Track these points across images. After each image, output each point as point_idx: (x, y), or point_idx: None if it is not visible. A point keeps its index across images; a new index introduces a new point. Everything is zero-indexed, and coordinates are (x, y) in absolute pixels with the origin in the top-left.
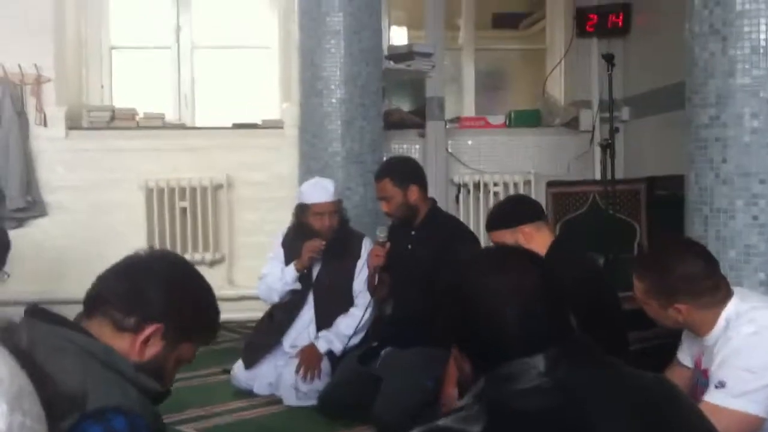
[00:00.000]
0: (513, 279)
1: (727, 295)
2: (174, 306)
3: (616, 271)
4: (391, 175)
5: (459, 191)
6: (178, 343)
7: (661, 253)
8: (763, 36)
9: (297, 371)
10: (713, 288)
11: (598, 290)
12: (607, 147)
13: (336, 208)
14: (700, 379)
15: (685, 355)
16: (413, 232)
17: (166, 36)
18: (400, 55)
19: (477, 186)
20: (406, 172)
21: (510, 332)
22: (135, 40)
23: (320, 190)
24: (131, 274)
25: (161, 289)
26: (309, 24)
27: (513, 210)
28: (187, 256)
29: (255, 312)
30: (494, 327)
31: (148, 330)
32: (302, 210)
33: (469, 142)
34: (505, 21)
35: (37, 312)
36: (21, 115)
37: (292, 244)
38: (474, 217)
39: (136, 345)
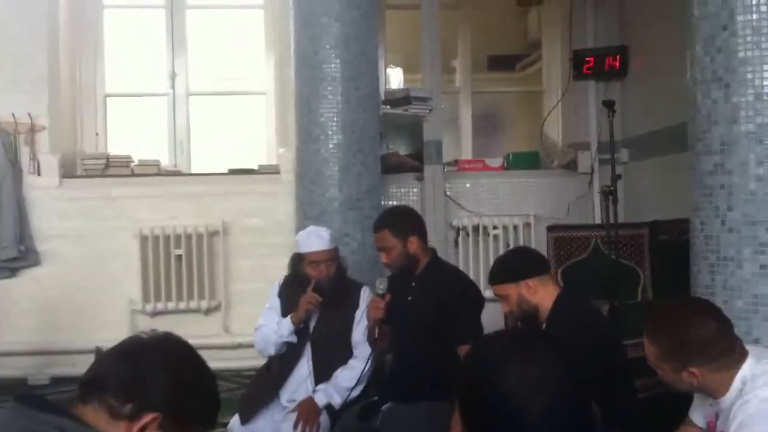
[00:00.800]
0: (535, 372)
1: (742, 356)
2: (174, 396)
3: (621, 318)
4: (390, 226)
5: (458, 235)
6: None
7: (673, 315)
8: (766, 83)
9: (295, 427)
10: (728, 350)
11: (604, 345)
12: (609, 193)
13: (332, 256)
14: None
15: (697, 415)
16: (414, 283)
17: (161, 82)
18: (397, 99)
19: (476, 229)
20: (406, 222)
21: (530, 429)
22: (130, 87)
23: (315, 239)
24: (132, 359)
25: (162, 378)
26: (305, 71)
27: (517, 263)
28: (183, 304)
29: (252, 361)
30: (514, 423)
31: (145, 419)
32: (298, 259)
33: (468, 185)
34: (500, 63)
35: (24, 398)
36: (14, 163)
37: (289, 295)
38: (474, 261)
39: None
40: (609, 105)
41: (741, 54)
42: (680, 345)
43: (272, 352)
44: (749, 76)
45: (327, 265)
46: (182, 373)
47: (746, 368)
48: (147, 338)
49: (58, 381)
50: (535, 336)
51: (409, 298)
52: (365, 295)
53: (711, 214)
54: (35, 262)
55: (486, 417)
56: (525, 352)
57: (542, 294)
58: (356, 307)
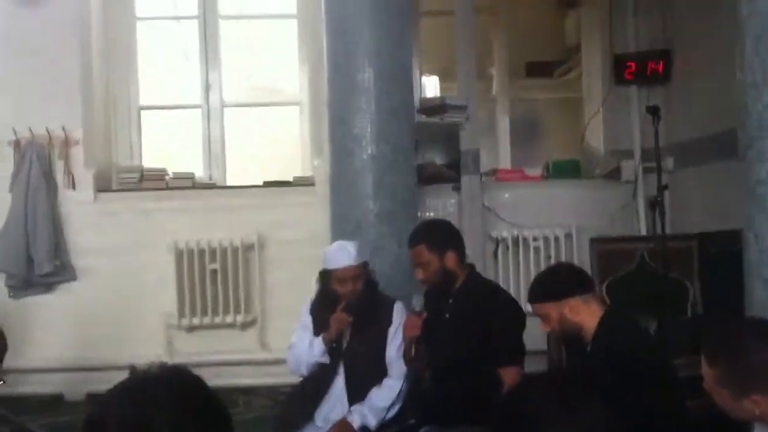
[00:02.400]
0: (580, 422)
1: None
2: None
3: (670, 335)
4: (427, 241)
5: (497, 246)
6: None
7: (735, 336)
8: None
9: None
10: None
11: (652, 365)
12: (656, 204)
13: (360, 272)
14: None
15: None
16: (451, 300)
17: (195, 94)
18: (433, 108)
19: (516, 241)
20: (443, 237)
21: None
22: (164, 99)
23: (342, 254)
24: (137, 399)
25: (170, 423)
26: (338, 80)
27: (559, 281)
28: (218, 319)
29: (288, 377)
30: None
31: None
32: (325, 276)
33: (506, 195)
34: (538, 69)
35: None
36: (49, 178)
37: (320, 312)
38: (513, 274)
39: None
40: (653, 111)
41: None
42: (742, 369)
43: (305, 372)
44: None
45: (354, 282)
46: (193, 418)
47: None
48: (155, 374)
49: (93, 398)
50: (578, 382)
51: (447, 316)
52: (399, 311)
53: (765, 226)
54: (71, 277)
55: None
56: (567, 401)
57: (585, 314)
58: (389, 323)
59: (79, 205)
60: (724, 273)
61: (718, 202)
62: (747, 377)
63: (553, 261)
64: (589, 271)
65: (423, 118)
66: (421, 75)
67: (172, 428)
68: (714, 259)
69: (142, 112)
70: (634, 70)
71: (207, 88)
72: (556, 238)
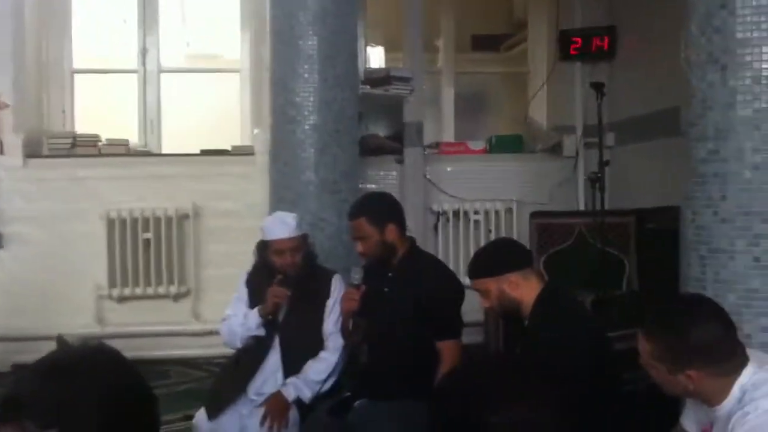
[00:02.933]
0: (526, 417)
1: (743, 361)
2: (107, 423)
3: (606, 309)
4: (367, 214)
5: (438, 220)
6: None
7: (675, 312)
8: (765, 66)
9: (262, 422)
10: (730, 354)
11: (588, 341)
12: (596, 179)
13: (298, 244)
14: None
15: (689, 422)
16: (390, 274)
17: (131, 59)
18: (378, 79)
19: (457, 214)
20: (383, 210)
21: None
22: (98, 63)
23: (280, 226)
24: (57, 380)
25: (94, 401)
26: (281, 48)
27: (499, 257)
28: (150, 290)
29: (222, 348)
30: None
31: None
32: (263, 247)
33: (449, 169)
34: (485, 43)
35: None
36: None
37: (257, 284)
38: (454, 247)
39: None
40: (598, 87)
41: (740, 35)
42: (678, 345)
43: (239, 345)
44: (748, 58)
45: (293, 254)
46: (118, 396)
47: (746, 375)
48: (76, 352)
49: (20, 369)
50: (522, 369)
51: (386, 290)
52: (337, 284)
53: (703, 203)
54: None
55: None
56: (510, 391)
57: (524, 289)
58: (327, 296)
59: (7, 171)
60: (660, 249)
61: (656, 179)
62: (683, 353)
63: (493, 235)
64: (528, 245)
65: (367, 88)
66: (366, 45)
67: (97, 408)
68: (650, 235)
69: (76, 76)
70: (580, 45)
71: (144, 53)
72: (497, 212)
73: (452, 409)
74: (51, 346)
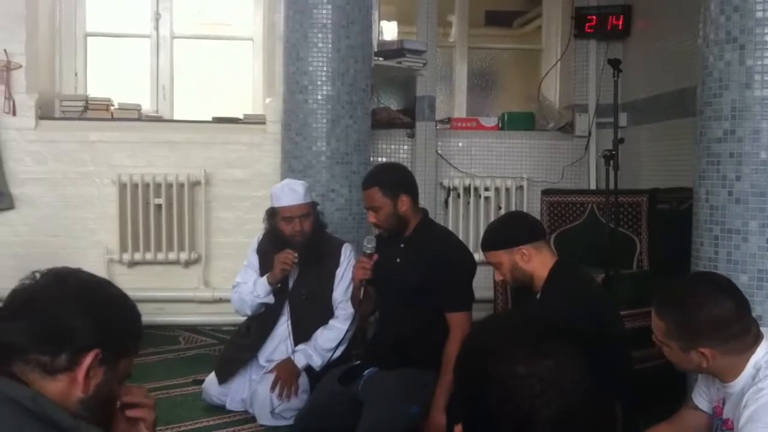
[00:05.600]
0: (551, 370)
1: (757, 339)
2: (102, 326)
3: (615, 288)
4: (381, 184)
5: (448, 195)
6: (117, 362)
7: (689, 290)
8: None
9: (272, 389)
10: (743, 332)
11: (602, 316)
12: (610, 158)
13: (307, 211)
14: (720, 428)
15: (701, 399)
16: (402, 245)
17: (144, 24)
18: (391, 51)
19: (467, 190)
20: (397, 180)
21: None
22: (112, 27)
23: (288, 193)
24: (39, 310)
25: (81, 314)
26: (295, 16)
27: (511, 229)
28: (161, 256)
29: (232, 316)
30: (521, 429)
31: (86, 361)
32: (272, 214)
33: (460, 144)
34: (498, 19)
35: None
36: None
37: (267, 252)
38: (463, 223)
39: (78, 381)
40: (615, 64)
41: (759, 14)
42: (692, 322)
43: (249, 312)
44: (767, 38)
45: (301, 221)
46: (96, 301)
47: (761, 353)
48: (37, 283)
49: None
50: (544, 324)
51: (397, 260)
52: (347, 253)
53: (717, 183)
54: (8, 205)
55: (487, 419)
56: (535, 343)
57: (537, 262)
58: (337, 265)
59: (19, 132)
60: (671, 229)
61: (669, 159)
62: (695, 330)
63: (503, 211)
64: None
65: (380, 60)
66: (380, 18)
67: (86, 318)
68: (663, 215)
69: (89, 39)
70: (595, 23)
71: (157, 18)
72: (507, 189)
73: (476, 366)
74: None
